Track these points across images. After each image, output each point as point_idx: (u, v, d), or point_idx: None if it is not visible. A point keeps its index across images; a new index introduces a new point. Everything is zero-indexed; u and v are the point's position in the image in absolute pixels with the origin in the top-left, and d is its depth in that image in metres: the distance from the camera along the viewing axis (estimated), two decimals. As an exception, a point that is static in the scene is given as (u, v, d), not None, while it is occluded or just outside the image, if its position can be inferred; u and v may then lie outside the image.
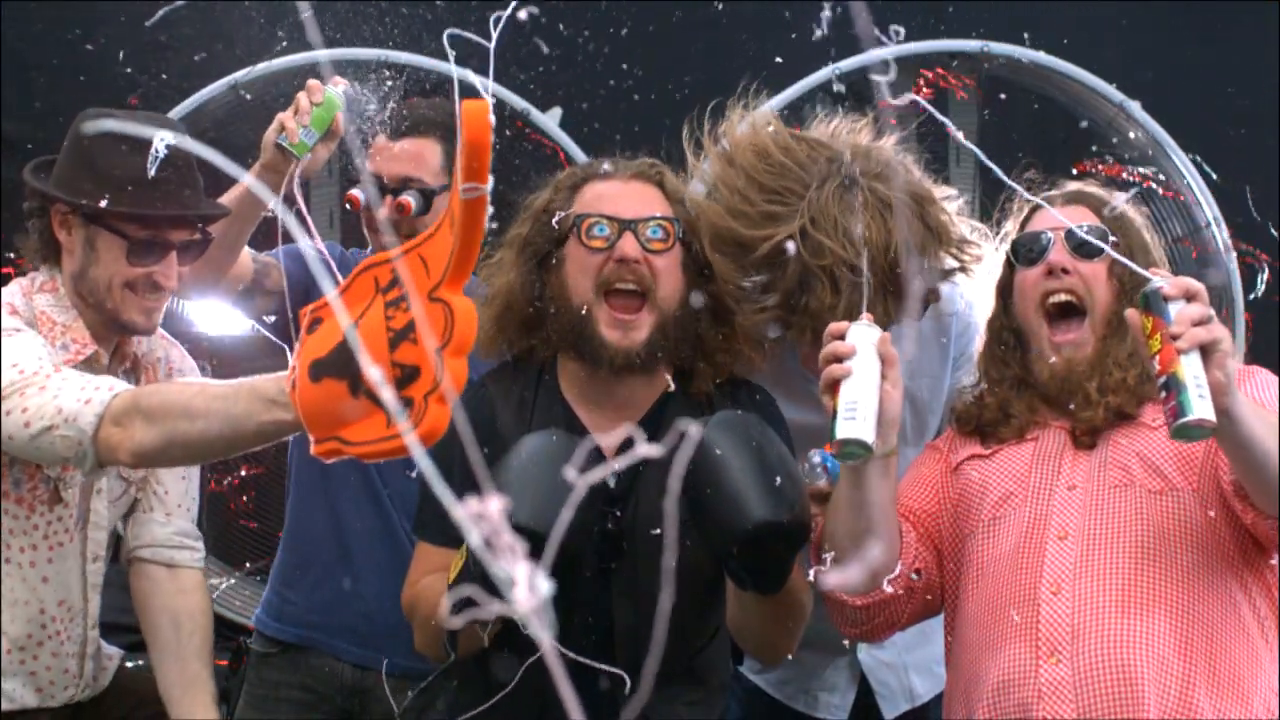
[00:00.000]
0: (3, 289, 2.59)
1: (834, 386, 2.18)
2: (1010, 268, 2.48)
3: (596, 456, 2.34)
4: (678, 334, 2.48)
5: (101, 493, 2.65)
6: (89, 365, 2.54)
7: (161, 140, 2.45)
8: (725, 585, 2.43)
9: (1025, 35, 4.05)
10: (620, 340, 2.44)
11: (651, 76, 4.18)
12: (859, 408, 2.15)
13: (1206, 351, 2.04)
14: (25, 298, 2.55)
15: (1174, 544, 2.26)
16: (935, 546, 2.44)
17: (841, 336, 2.21)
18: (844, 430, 2.15)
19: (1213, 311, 2.08)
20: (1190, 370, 2.03)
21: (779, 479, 2.23)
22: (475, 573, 2.28)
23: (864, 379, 2.17)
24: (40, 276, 2.59)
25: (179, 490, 2.77)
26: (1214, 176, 3.93)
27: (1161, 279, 2.10)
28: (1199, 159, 3.96)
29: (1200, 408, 2.01)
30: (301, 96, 2.75)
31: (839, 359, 2.19)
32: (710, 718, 2.56)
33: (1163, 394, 2.05)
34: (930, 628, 2.77)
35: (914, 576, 2.39)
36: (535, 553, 2.25)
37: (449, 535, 2.43)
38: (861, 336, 2.20)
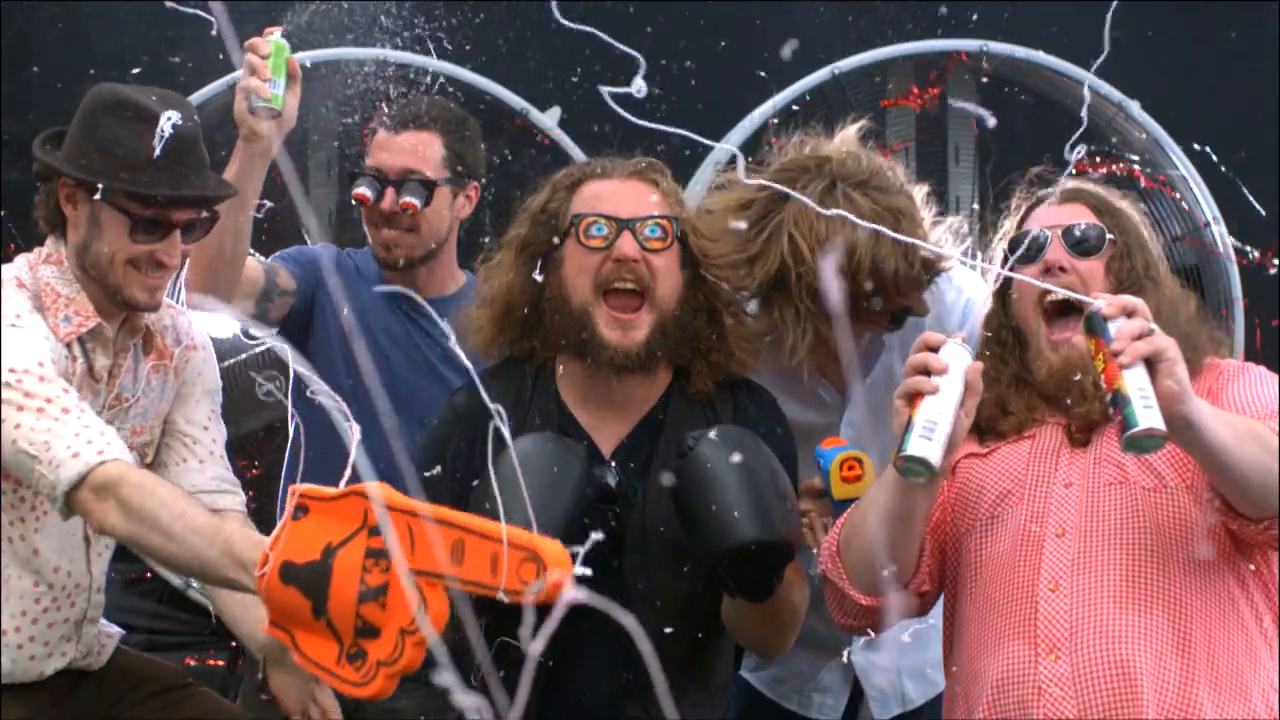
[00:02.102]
0: (8, 266, 2.58)
1: (915, 398, 2.16)
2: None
3: (590, 460, 2.35)
4: (677, 333, 2.48)
5: None
6: (94, 336, 2.55)
7: (168, 119, 2.45)
8: None
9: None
10: (620, 340, 2.44)
11: (651, 76, 4.18)
12: (937, 429, 2.14)
13: (1152, 363, 2.06)
14: (31, 271, 2.56)
15: (1169, 540, 2.26)
16: (941, 551, 2.44)
17: (935, 349, 2.19)
18: (917, 448, 2.13)
19: (1154, 325, 2.09)
20: (1134, 383, 2.05)
21: (769, 499, 2.23)
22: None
23: (948, 400, 2.16)
24: (46, 249, 2.59)
25: (208, 438, 2.73)
26: (1235, 177, 3.92)
27: (1100, 300, 2.13)
28: (1209, 151, 3.95)
29: (1146, 418, 2.03)
30: (250, 57, 2.73)
31: (928, 372, 2.17)
32: (711, 718, 2.56)
33: (1111, 410, 2.08)
34: (924, 632, 2.78)
35: (920, 596, 2.41)
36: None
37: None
38: (955, 357, 2.18)
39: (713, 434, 2.31)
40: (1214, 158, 3.98)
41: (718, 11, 4.24)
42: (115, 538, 2.29)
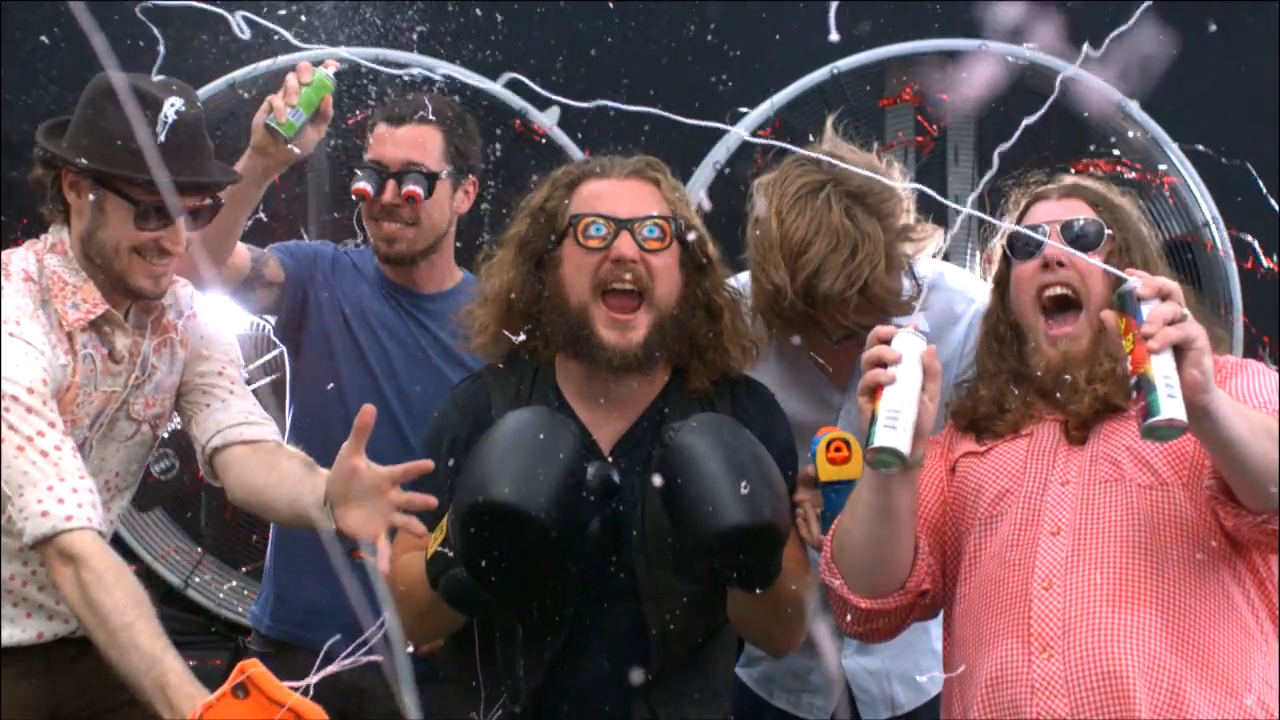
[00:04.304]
0: (15, 254, 2.59)
1: (875, 391, 2.16)
2: (1007, 262, 2.48)
3: (582, 438, 2.35)
4: (675, 332, 2.48)
5: (111, 439, 2.66)
6: (107, 320, 2.57)
7: (171, 106, 2.45)
8: None
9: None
10: (618, 340, 2.44)
11: (651, 75, 4.19)
12: (900, 417, 2.13)
13: (1180, 350, 2.03)
14: (38, 261, 2.57)
15: (1165, 538, 2.26)
16: (941, 549, 2.44)
17: (888, 341, 2.19)
18: (883, 438, 2.12)
19: (1187, 311, 2.07)
20: (1160, 370, 2.02)
21: (752, 483, 2.22)
22: (454, 547, 2.27)
23: (907, 388, 2.15)
24: (50, 238, 2.60)
25: (225, 380, 2.74)
26: (1252, 169, 3.90)
27: (1136, 279, 2.10)
28: (1237, 163, 3.95)
29: (1169, 407, 2.01)
30: (290, 77, 2.77)
31: (883, 363, 2.17)
32: (715, 717, 2.56)
33: (1134, 393, 2.05)
34: (917, 639, 2.77)
35: (921, 596, 2.39)
36: (516, 529, 2.28)
37: (432, 517, 2.44)
38: (909, 345, 2.18)
39: (693, 423, 2.31)
40: (1249, 166, 3.96)
41: (719, 10, 4.25)
42: (65, 599, 2.36)
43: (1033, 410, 2.42)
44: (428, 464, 2.38)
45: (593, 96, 4.16)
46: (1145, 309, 2.06)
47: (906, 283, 2.60)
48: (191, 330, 2.73)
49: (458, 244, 3.24)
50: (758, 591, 2.31)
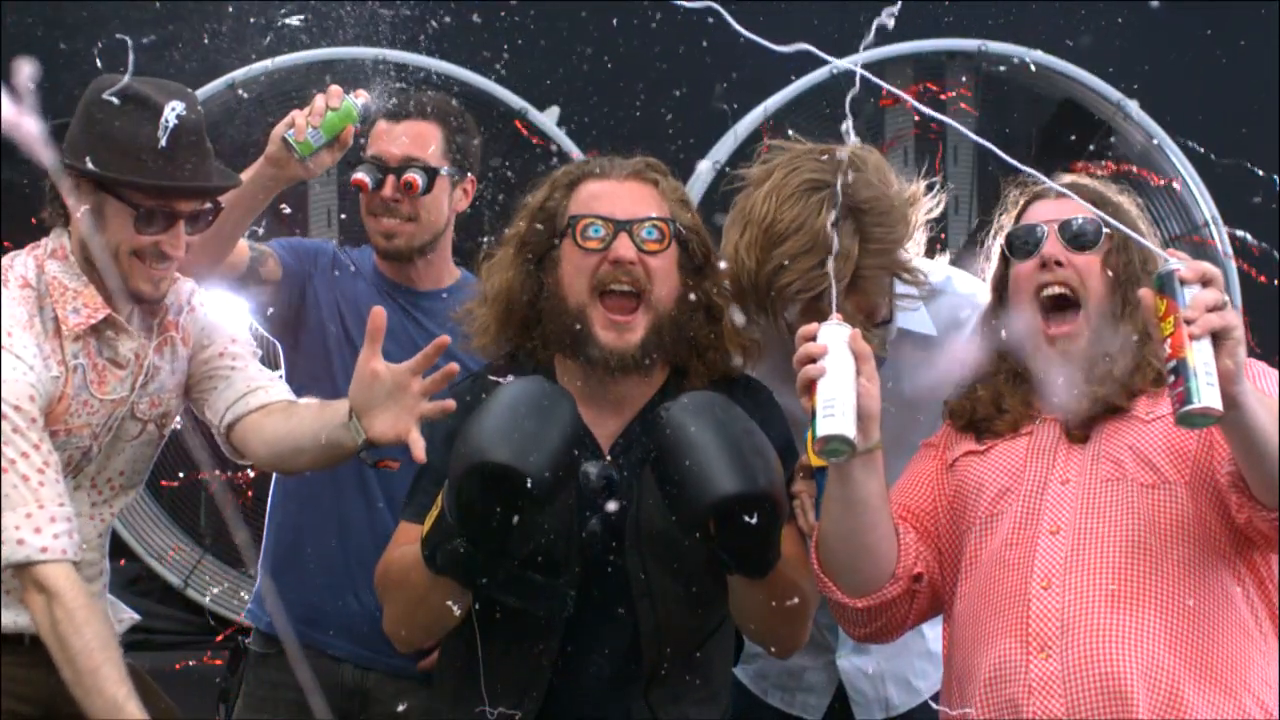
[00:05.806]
0: (16, 258, 2.60)
1: (810, 387, 2.17)
2: (1005, 261, 2.48)
3: (579, 414, 2.35)
4: (673, 333, 2.48)
5: (117, 439, 2.66)
6: (110, 324, 2.57)
7: (172, 110, 2.45)
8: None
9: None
10: (615, 342, 2.44)
11: (649, 75, 4.19)
12: (836, 405, 2.14)
13: (1218, 338, 2.01)
14: (38, 267, 2.57)
15: (1166, 538, 2.25)
16: (936, 546, 2.44)
17: (814, 337, 2.19)
18: (825, 428, 2.13)
19: (1228, 298, 2.05)
20: (1200, 356, 2.00)
21: (745, 453, 2.22)
22: (450, 513, 2.27)
23: (839, 376, 2.15)
24: (50, 243, 2.60)
25: (226, 361, 2.74)
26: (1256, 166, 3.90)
27: (1178, 261, 2.07)
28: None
29: (1208, 395, 1.99)
30: (319, 98, 2.77)
31: (812, 360, 2.17)
32: (715, 717, 2.56)
33: (1171, 378, 2.03)
34: (912, 640, 2.77)
35: (916, 581, 2.38)
36: (511, 492, 2.27)
37: (428, 501, 2.43)
38: (832, 335, 2.18)
39: (684, 400, 2.31)
40: (1251, 165, 3.97)
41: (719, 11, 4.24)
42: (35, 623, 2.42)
43: (1032, 409, 2.41)
44: (445, 339, 2.41)
45: (593, 97, 4.17)
46: (1187, 293, 2.04)
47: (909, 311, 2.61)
48: (192, 325, 2.73)
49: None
50: (756, 578, 2.31)
